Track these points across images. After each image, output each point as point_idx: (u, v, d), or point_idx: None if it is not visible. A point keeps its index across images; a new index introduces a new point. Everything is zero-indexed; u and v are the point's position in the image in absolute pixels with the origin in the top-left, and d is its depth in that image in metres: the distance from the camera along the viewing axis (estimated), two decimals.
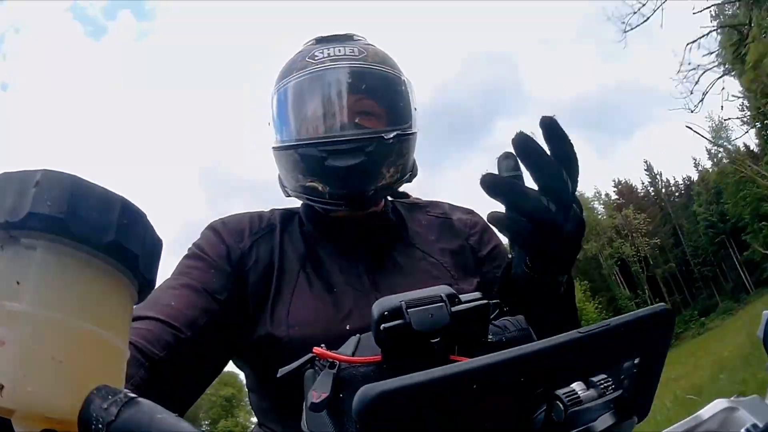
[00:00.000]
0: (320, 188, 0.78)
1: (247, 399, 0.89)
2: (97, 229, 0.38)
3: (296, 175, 0.81)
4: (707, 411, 0.59)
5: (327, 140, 0.78)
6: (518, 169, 0.57)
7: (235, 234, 0.83)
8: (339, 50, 0.83)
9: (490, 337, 0.47)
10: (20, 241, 0.37)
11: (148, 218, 0.42)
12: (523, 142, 0.54)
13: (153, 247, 0.43)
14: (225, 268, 0.79)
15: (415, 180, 0.89)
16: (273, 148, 0.85)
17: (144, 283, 0.43)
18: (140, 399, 0.37)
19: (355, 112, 0.81)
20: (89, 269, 0.38)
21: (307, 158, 0.78)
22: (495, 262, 0.90)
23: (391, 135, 0.79)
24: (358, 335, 0.47)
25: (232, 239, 0.83)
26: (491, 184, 0.54)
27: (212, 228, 0.85)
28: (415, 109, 0.88)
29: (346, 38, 0.87)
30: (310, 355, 0.45)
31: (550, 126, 0.54)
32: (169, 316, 0.70)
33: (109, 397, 0.36)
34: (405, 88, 0.87)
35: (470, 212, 0.98)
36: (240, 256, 0.81)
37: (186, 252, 0.83)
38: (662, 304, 0.44)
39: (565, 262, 0.60)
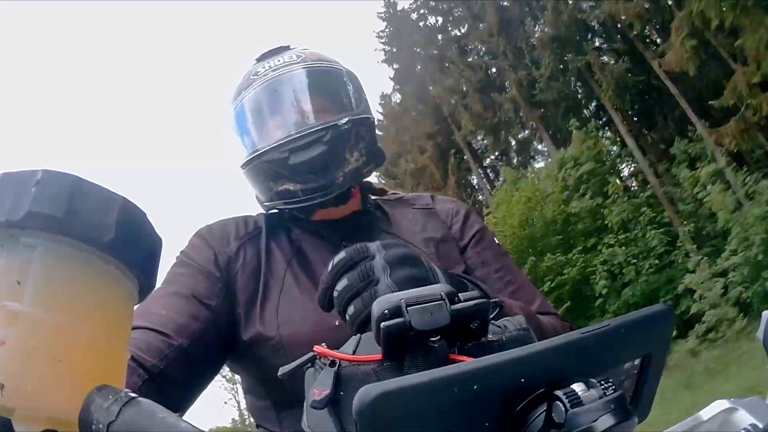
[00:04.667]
0: (292, 188, 0.82)
1: None
2: (96, 229, 0.38)
3: (267, 184, 0.84)
4: (707, 411, 0.60)
5: (284, 140, 0.81)
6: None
7: (221, 239, 0.85)
8: (278, 61, 0.88)
9: (490, 336, 0.47)
10: (20, 240, 0.37)
11: (149, 217, 0.42)
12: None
13: (153, 246, 0.43)
14: (213, 273, 0.81)
15: None
16: (241, 166, 0.89)
17: (144, 282, 0.43)
18: (141, 399, 0.37)
19: (306, 110, 0.85)
20: (89, 269, 0.38)
21: (272, 163, 0.82)
22: (478, 247, 0.92)
23: (344, 120, 0.83)
24: (359, 334, 0.47)
25: (218, 244, 0.84)
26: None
27: (199, 235, 0.87)
28: (365, 97, 0.92)
29: (282, 49, 0.93)
30: (311, 353, 0.45)
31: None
32: (160, 324, 0.71)
33: (110, 396, 0.36)
34: (347, 78, 0.91)
35: (453, 201, 1.01)
36: (227, 260, 0.83)
37: (174, 260, 0.85)
38: (662, 304, 0.44)
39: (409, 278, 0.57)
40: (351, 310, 0.52)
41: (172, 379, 0.70)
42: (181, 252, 0.85)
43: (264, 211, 0.92)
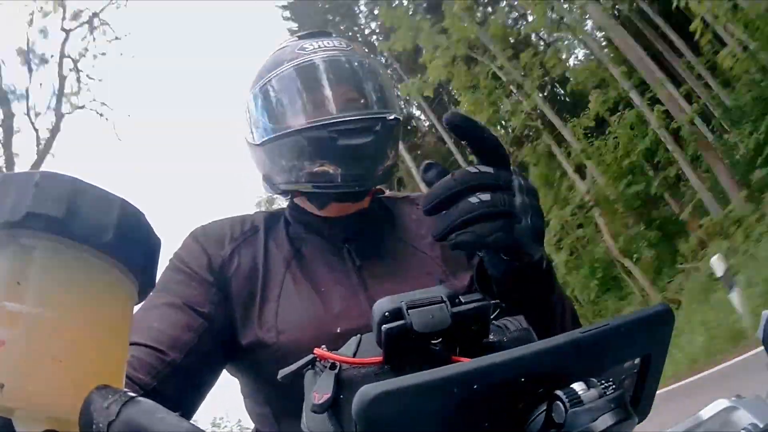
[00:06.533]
0: (331, 171, 0.78)
1: None
2: (96, 229, 0.38)
3: (300, 163, 0.79)
4: (707, 411, 0.60)
5: (338, 120, 0.77)
6: (444, 175, 0.55)
7: (215, 241, 0.82)
8: (327, 43, 0.84)
9: (491, 337, 0.47)
10: (20, 241, 0.37)
11: (147, 218, 0.42)
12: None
13: (152, 246, 0.43)
14: (206, 278, 0.78)
15: None
16: (265, 141, 0.83)
17: (144, 282, 0.43)
18: (140, 398, 0.37)
19: (359, 97, 0.83)
20: (89, 269, 0.38)
21: (316, 141, 0.77)
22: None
23: (392, 117, 0.82)
24: (359, 335, 0.47)
25: (212, 247, 0.81)
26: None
27: (193, 236, 0.84)
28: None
29: (326, 34, 0.90)
30: (311, 356, 0.45)
31: (457, 120, 0.54)
32: (152, 339, 0.69)
33: (110, 396, 0.36)
34: (389, 79, 0.90)
35: None
36: (221, 263, 0.80)
37: (168, 261, 0.83)
38: (663, 303, 0.44)
39: (540, 231, 0.56)
40: (484, 196, 0.50)
41: (166, 395, 0.68)
42: (175, 254, 0.82)
43: (273, 194, 0.89)
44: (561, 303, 0.70)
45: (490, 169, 0.52)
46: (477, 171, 0.52)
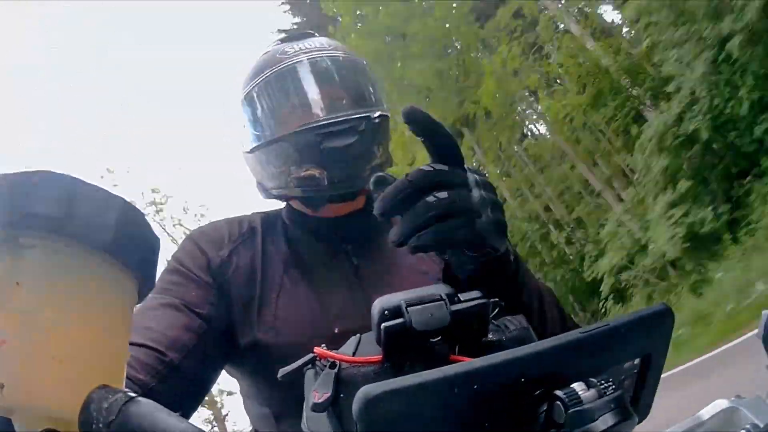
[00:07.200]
0: (318, 174, 0.78)
1: None
2: (95, 229, 0.38)
3: (288, 168, 0.79)
4: (708, 411, 0.60)
5: (321, 123, 0.77)
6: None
7: (214, 243, 0.82)
8: (308, 44, 0.84)
9: (491, 336, 0.47)
10: (19, 241, 0.37)
11: (147, 218, 0.42)
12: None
13: (152, 246, 0.43)
14: (205, 280, 0.78)
15: None
16: (253, 148, 0.84)
17: (144, 282, 0.43)
18: (140, 398, 0.37)
19: (341, 97, 0.83)
20: (88, 269, 0.38)
21: (302, 146, 0.77)
22: None
23: (377, 114, 0.80)
24: (358, 335, 0.47)
25: (211, 248, 0.81)
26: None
27: (191, 238, 0.84)
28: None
29: (307, 35, 0.90)
30: (311, 355, 0.45)
31: (414, 116, 0.52)
32: (151, 339, 0.69)
33: (109, 396, 0.36)
34: (373, 75, 0.90)
35: None
36: (219, 264, 0.80)
37: (167, 264, 0.82)
38: (663, 303, 0.44)
39: (501, 223, 0.55)
40: (442, 194, 0.49)
41: (165, 395, 0.67)
42: (173, 256, 0.82)
43: (267, 197, 0.89)
44: (537, 294, 0.71)
45: (444, 167, 0.51)
46: (432, 169, 0.51)
